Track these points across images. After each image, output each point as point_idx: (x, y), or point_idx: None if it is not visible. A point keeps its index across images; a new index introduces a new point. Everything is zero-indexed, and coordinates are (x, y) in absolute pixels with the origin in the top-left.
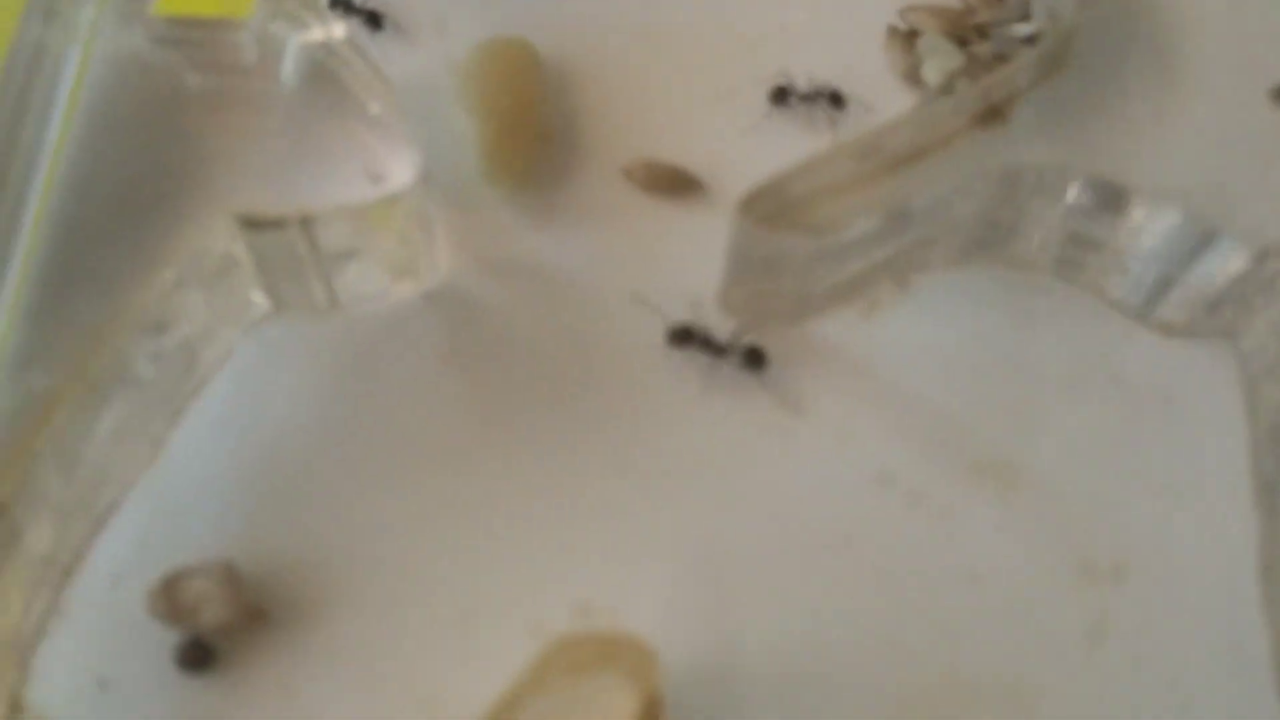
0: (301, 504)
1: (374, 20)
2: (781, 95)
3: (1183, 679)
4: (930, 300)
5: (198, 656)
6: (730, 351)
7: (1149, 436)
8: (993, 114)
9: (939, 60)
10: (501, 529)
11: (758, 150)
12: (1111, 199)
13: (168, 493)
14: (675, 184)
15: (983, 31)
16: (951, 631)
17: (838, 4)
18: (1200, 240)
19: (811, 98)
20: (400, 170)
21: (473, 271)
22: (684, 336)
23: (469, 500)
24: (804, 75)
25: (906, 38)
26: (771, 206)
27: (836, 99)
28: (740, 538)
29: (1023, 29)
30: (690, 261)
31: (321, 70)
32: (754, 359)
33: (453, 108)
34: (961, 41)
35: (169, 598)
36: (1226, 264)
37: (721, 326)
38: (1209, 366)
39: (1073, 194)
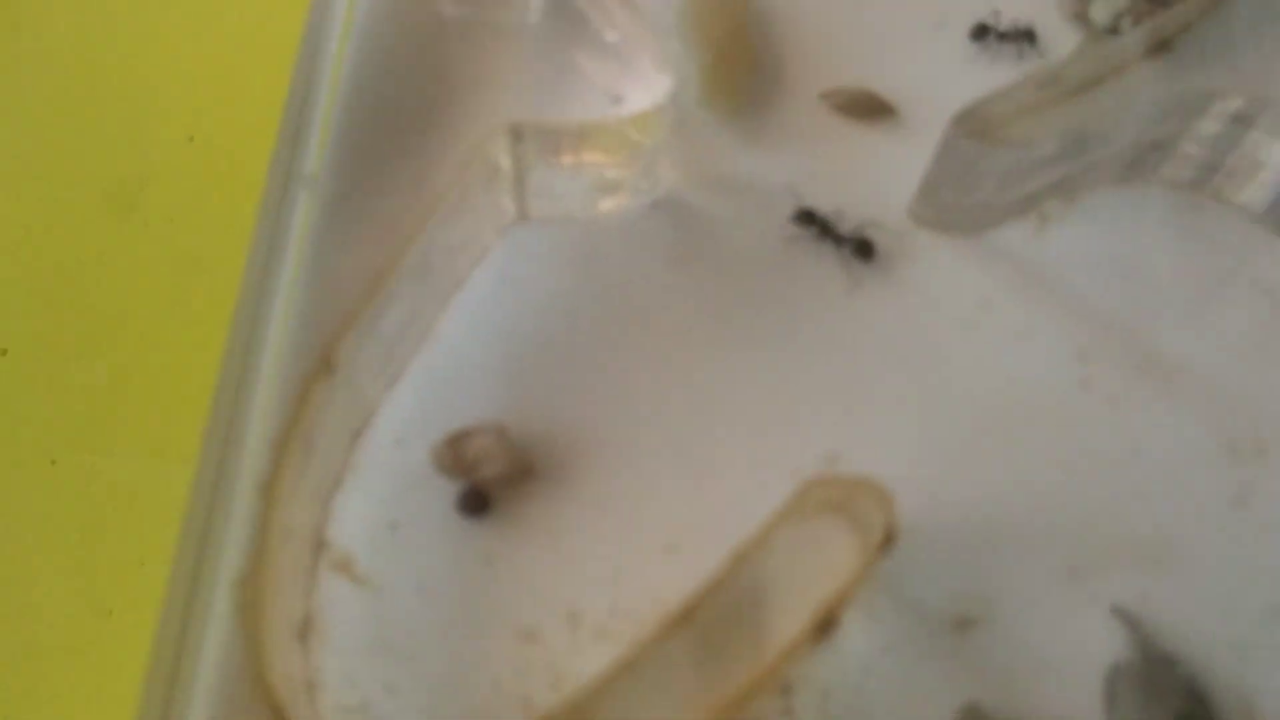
0: (561, 377)
1: None
2: (983, 31)
3: None
4: (1095, 215)
5: (477, 503)
6: (844, 241)
7: None
8: (1161, 46)
9: (1107, 2)
10: (741, 396)
11: (947, 80)
12: (1263, 118)
13: (439, 370)
14: (870, 109)
15: None
16: (1115, 498)
17: None
18: None
19: (1009, 35)
20: (637, 92)
21: (691, 185)
22: (808, 219)
23: (710, 373)
24: (990, 14)
25: None
26: (976, 124)
27: (1030, 36)
28: (950, 410)
29: None
30: (884, 182)
31: (564, 2)
32: (864, 249)
33: (672, 40)
34: None
35: (453, 453)
36: None
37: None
38: None
39: (1228, 113)
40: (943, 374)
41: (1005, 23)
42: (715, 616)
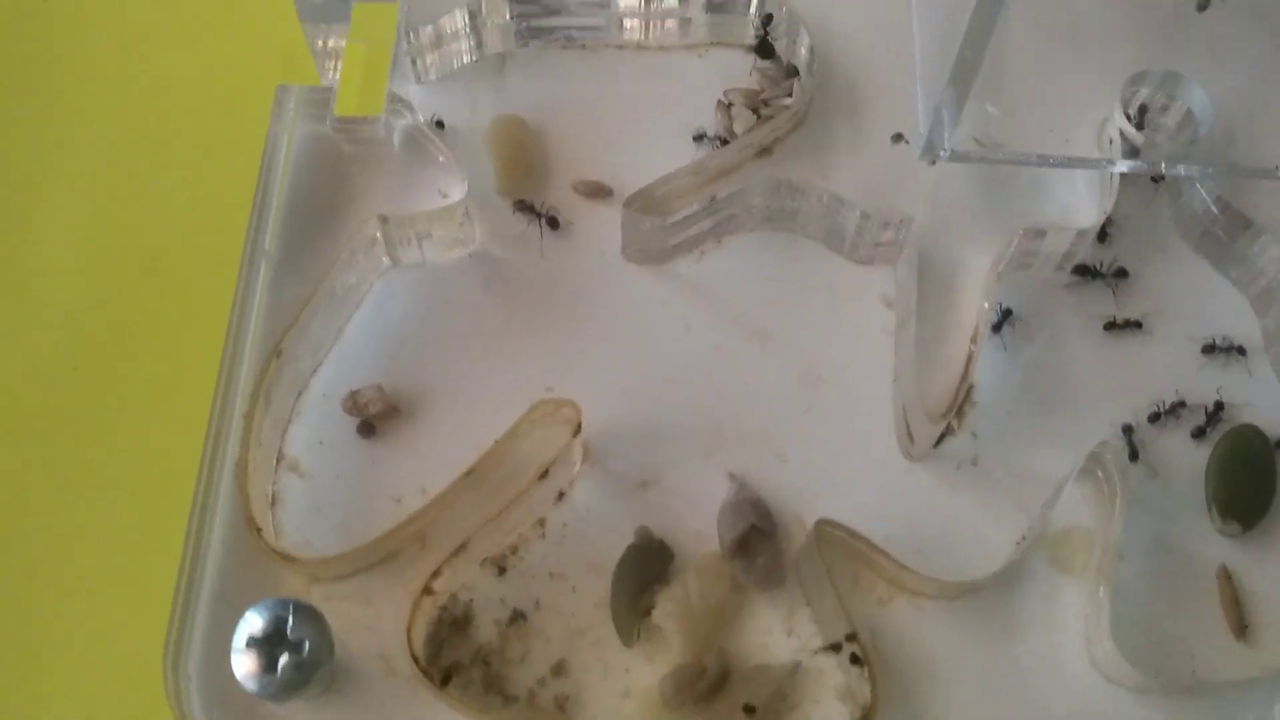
0: (417, 356)
1: (440, 125)
2: (700, 138)
3: None
4: (735, 250)
5: (366, 430)
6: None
7: (846, 317)
8: (765, 151)
9: (743, 120)
10: (516, 361)
11: (645, 169)
12: (817, 195)
13: (346, 353)
14: (598, 190)
15: (766, 103)
16: (734, 412)
17: (696, 86)
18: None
19: (701, 138)
20: (455, 189)
21: (495, 242)
22: (523, 207)
23: (500, 349)
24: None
25: (726, 107)
26: (643, 202)
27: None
28: (636, 363)
29: (787, 100)
30: (605, 234)
31: (413, 142)
32: (553, 223)
33: (482, 153)
34: (754, 110)
35: (353, 401)
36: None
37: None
38: (877, 278)
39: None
40: (634, 342)
41: (710, 130)
42: (490, 475)
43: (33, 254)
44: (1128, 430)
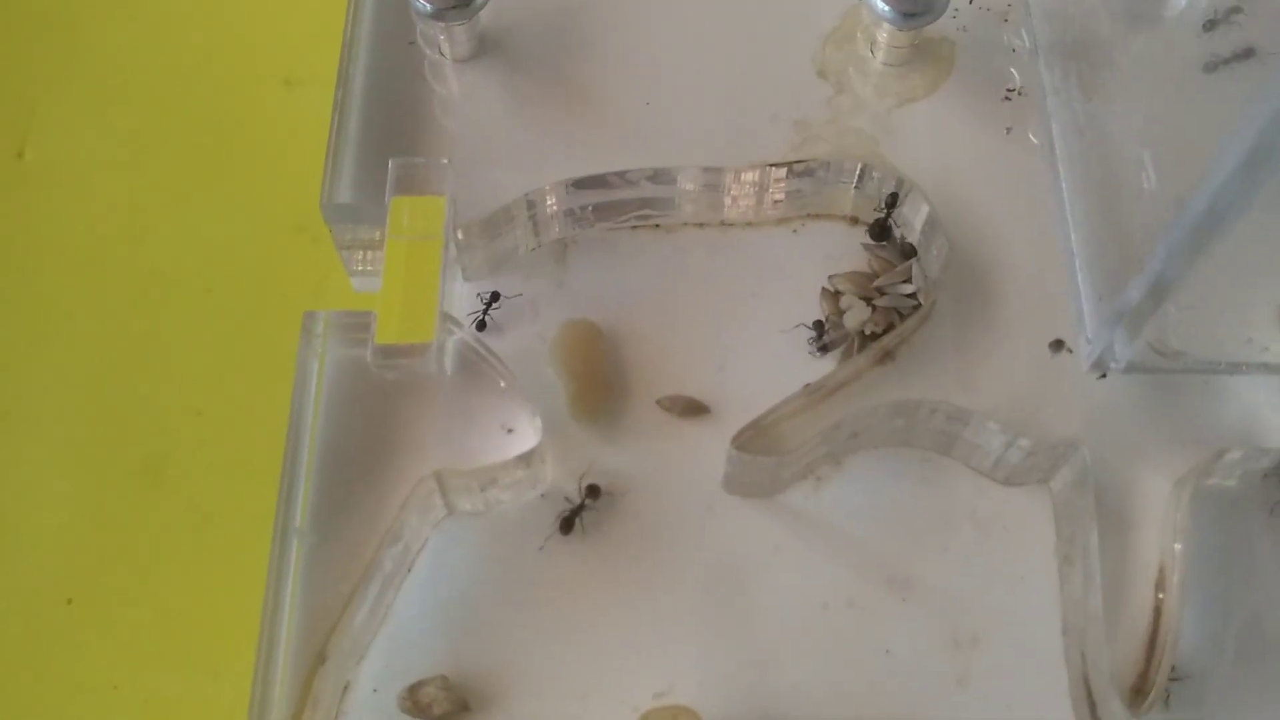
0: (484, 632)
1: (481, 325)
2: (821, 344)
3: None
4: (856, 474)
5: None
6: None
7: (997, 553)
8: (888, 355)
9: (855, 312)
10: (609, 645)
11: (743, 377)
12: (960, 415)
13: (397, 636)
14: (692, 409)
15: (881, 290)
16: (872, 687)
17: (793, 269)
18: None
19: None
20: (523, 422)
21: (567, 478)
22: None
23: (583, 627)
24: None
25: (834, 296)
26: (753, 436)
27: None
28: (750, 631)
29: (907, 288)
30: (702, 461)
31: (469, 363)
32: (592, 492)
33: (544, 365)
34: (867, 299)
35: (412, 699)
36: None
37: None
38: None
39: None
40: (745, 606)
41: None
42: None
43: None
44: None
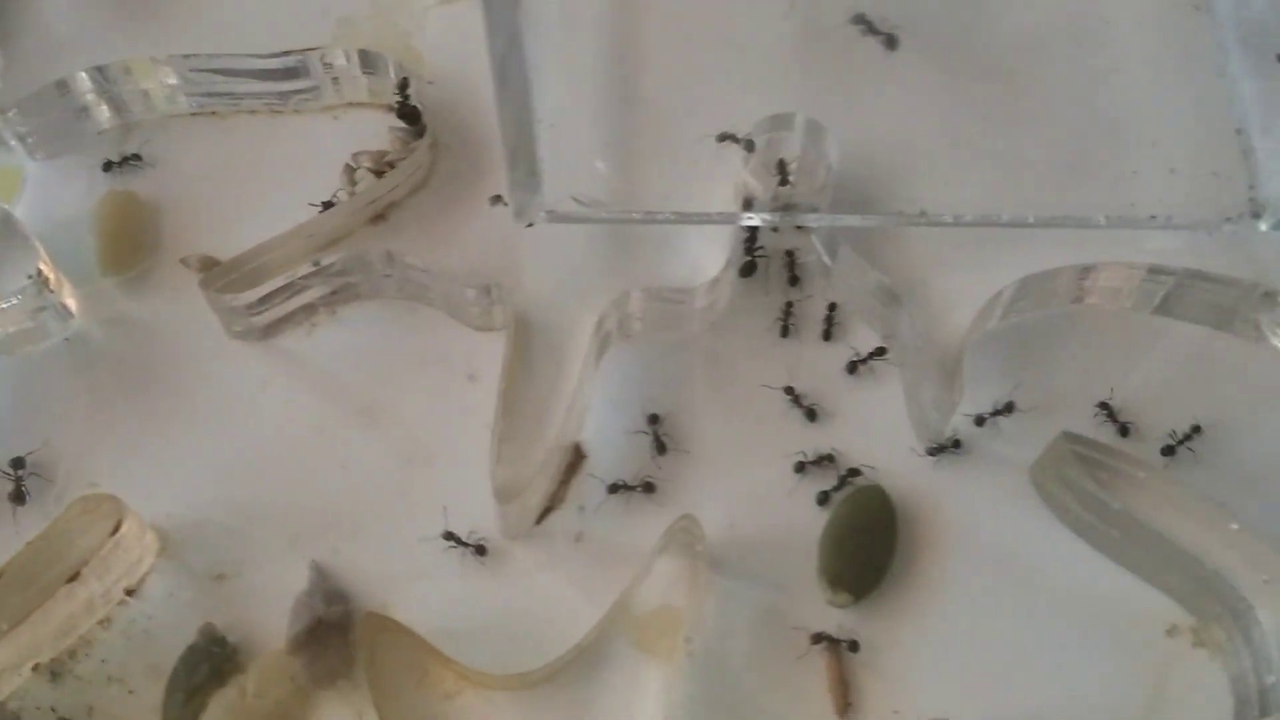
0: None
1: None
2: (328, 205)
3: None
4: (350, 320)
5: None
6: None
7: (459, 388)
8: (380, 217)
9: (366, 183)
10: (121, 463)
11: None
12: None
13: None
14: (207, 265)
15: (391, 164)
16: (324, 492)
17: (330, 150)
18: None
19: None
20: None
21: (94, 324)
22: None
23: (99, 449)
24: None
25: (351, 170)
26: (233, 277)
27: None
28: (226, 450)
29: (411, 162)
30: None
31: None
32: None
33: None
34: (379, 172)
35: None
36: None
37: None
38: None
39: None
40: (227, 426)
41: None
42: (37, 577)
43: None
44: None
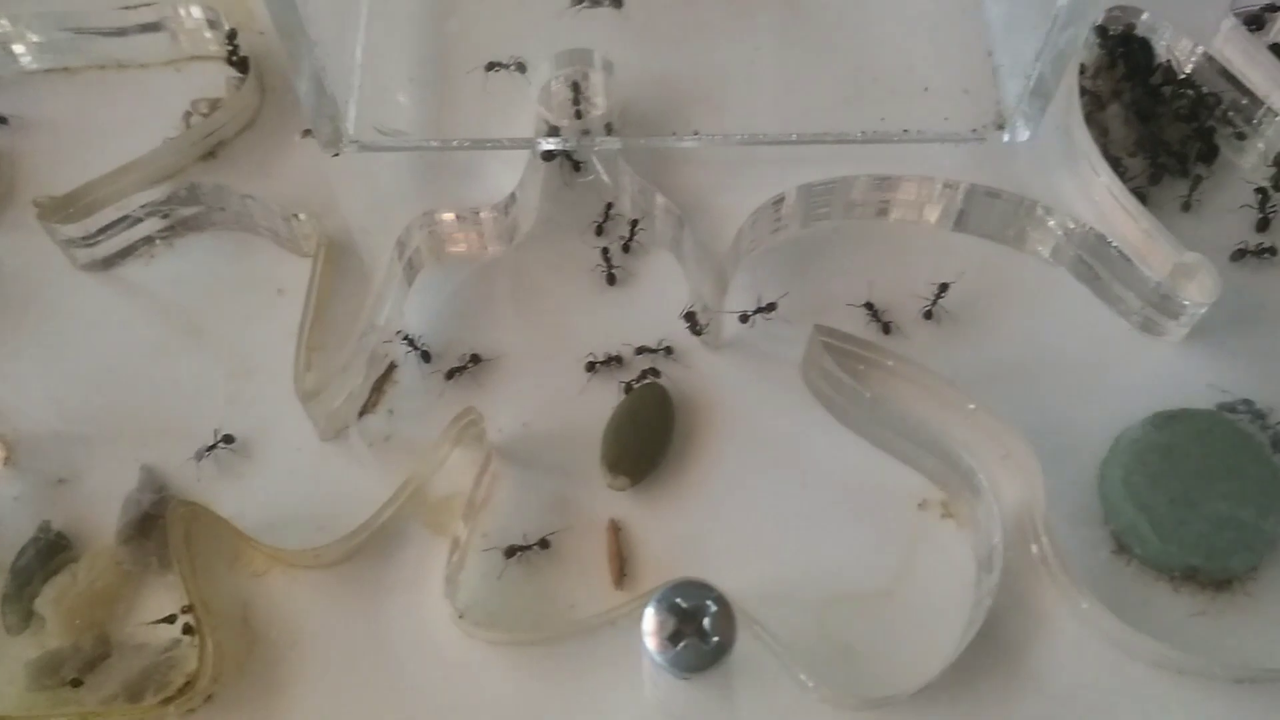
0: None
1: None
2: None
3: None
4: (186, 250)
5: None
6: None
7: (283, 308)
8: (210, 154)
9: (199, 121)
10: None
11: None
12: (249, 196)
13: None
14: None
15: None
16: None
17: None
18: None
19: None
20: None
21: None
22: None
23: None
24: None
25: (188, 116)
26: (68, 209)
27: None
28: (69, 369)
29: (240, 103)
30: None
31: None
32: None
33: None
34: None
35: None
36: None
37: None
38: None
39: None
40: (70, 349)
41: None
42: None
43: None
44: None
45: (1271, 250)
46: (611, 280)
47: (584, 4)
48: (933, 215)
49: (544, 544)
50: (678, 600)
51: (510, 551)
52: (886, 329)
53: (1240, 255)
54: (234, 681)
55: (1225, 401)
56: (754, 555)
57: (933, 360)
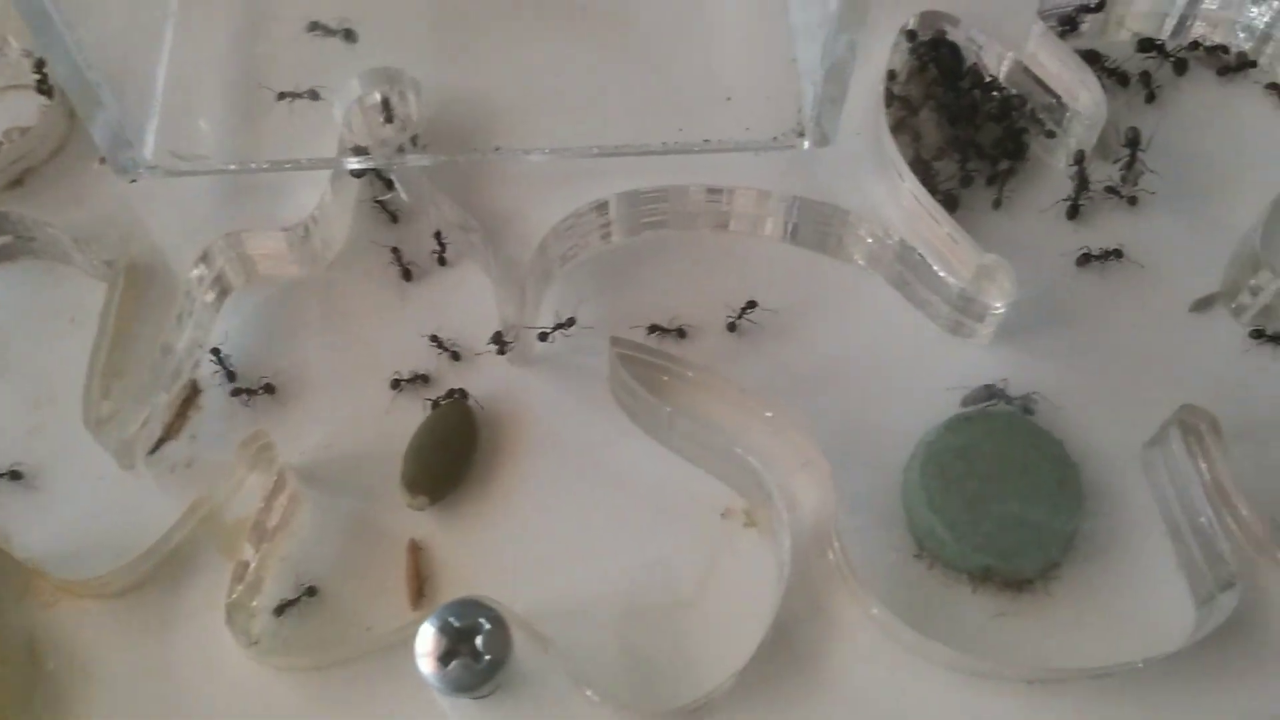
0: None
1: None
2: None
3: None
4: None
5: None
6: None
7: None
8: (17, 182)
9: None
10: None
11: None
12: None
13: None
14: None
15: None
16: None
17: None
18: None
19: None
20: None
21: None
22: None
23: None
24: None
25: (1, 145)
26: None
27: None
28: None
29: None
30: None
31: None
32: None
33: None
34: None
35: None
36: None
37: None
38: None
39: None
40: None
41: None
42: None
43: None
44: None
45: (1118, 253)
46: (407, 276)
47: (317, 32)
48: (770, 228)
49: (311, 592)
50: (450, 620)
51: (280, 609)
52: (682, 333)
53: (1085, 260)
54: (17, 717)
55: (968, 395)
56: (556, 570)
57: (741, 371)
